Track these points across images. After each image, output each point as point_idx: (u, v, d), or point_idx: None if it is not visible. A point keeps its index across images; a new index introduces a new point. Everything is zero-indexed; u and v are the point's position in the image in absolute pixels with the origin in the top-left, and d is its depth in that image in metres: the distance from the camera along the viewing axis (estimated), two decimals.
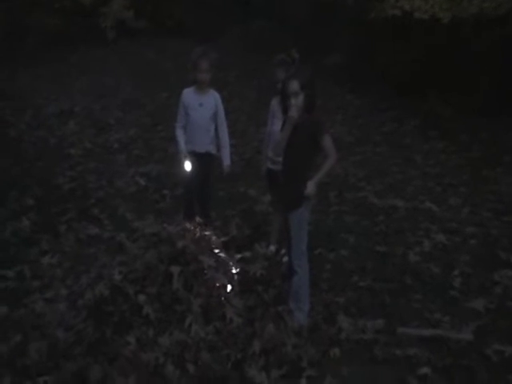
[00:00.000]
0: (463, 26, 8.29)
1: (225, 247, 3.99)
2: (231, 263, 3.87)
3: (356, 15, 10.31)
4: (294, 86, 3.55)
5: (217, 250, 3.84)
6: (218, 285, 3.54)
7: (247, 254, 4.29)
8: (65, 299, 3.69)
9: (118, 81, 11.00)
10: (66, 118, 8.95)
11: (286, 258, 4.34)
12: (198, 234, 3.81)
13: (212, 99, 4.65)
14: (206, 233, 3.90)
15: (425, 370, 3.25)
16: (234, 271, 3.83)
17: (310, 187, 3.54)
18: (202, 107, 4.61)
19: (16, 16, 12.01)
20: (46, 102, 9.64)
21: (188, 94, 4.65)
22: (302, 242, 3.68)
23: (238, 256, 4.08)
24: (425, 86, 8.93)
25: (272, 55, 4.64)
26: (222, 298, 3.51)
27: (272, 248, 4.76)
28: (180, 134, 4.69)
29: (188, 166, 4.61)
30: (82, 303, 3.41)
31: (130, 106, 9.80)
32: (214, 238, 3.94)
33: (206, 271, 3.53)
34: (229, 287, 3.62)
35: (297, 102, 3.55)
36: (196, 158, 4.63)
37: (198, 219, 4.04)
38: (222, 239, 4.08)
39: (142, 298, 3.30)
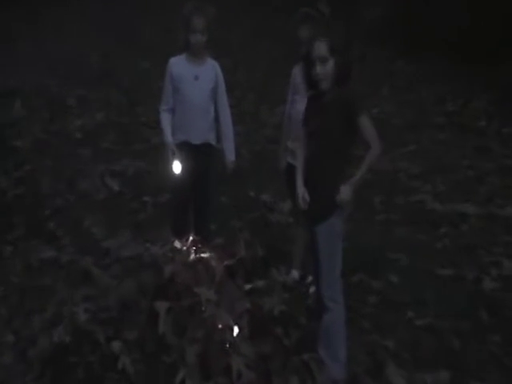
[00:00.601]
0: None
1: (230, 274, 3.96)
2: (238, 296, 3.83)
3: None
4: (322, 48, 3.53)
5: (219, 279, 3.80)
6: (220, 326, 3.51)
7: (260, 282, 4.25)
8: (11, 349, 3.66)
9: (80, 48, 11.06)
10: (9, 99, 8.92)
11: (313, 289, 4.33)
12: (192, 257, 3.81)
13: (210, 70, 4.66)
14: (204, 254, 3.89)
15: None
16: (242, 307, 3.76)
17: (344, 191, 3.51)
18: (197, 81, 4.60)
19: None
20: None
21: (178, 64, 4.64)
22: (334, 265, 3.67)
23: (248, 286, 4.06)
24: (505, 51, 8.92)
25: (292, 9, 4.66)
26: (227, 345, 3.47)
27: (294, 274, 4.77)
28: (166, 120, 4.68)
29: (177, 165, 4.61)
30: (34, 354, 3.40)
31: (98, 80, 9.83)
32: (214, 261, 3.90)
33: (203, 308, 3.50)
34: (235, 329, 3.58)
35: (325, 71, 3.54)
36: (191, 151, 4.62)
37: (192, 235, 4.02)
38: (226, 263, 4.03)
39: (116, 345, 3.29)
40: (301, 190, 3.75)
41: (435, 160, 7.14)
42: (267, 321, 3.89)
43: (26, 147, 7.46)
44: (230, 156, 4.81)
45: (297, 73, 4.47)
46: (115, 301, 3.46)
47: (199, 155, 4.65)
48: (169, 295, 3.47)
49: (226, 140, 4.79)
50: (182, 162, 4.60)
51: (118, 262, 3.78)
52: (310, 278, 4.60)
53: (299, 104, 4.28)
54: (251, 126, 8.12)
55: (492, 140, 7.61)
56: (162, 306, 3.37)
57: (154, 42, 11.06)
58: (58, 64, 10.33)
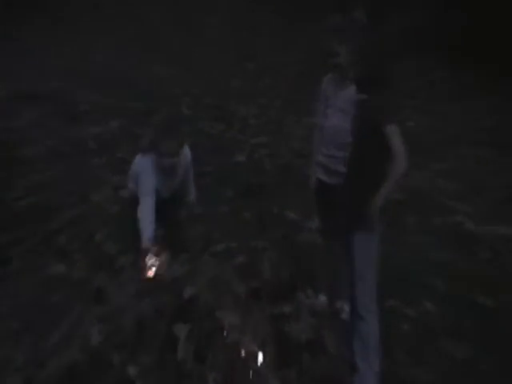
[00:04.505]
0: None
1: (254, 297, 4.04)
2: (263, 321, 3.88)
3: None
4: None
5: (242, 302, 3.89)
6: (243, 353, 3.54)
7: (287, 307, 4.26)
8: (18, 371, 3.66)
9: (95, 50, 11.22)
10: (21, 104, 9.04)
11: (345, 314, 4.36)
12: (214, 278, 3.85)
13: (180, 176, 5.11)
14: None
15: None
16: (267, 333, 3.83)
17: (375, 204, 3.57)
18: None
19: None
20: None
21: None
22: (369, 274, 3.77)
23: (274, 310, 4.06)
24: None
25: (322, 15, 4.65)
26: (251, 372, 3.50)
27: (323, 298, 4.74)
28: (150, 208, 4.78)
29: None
30: (44, 376, 3.41)
31: (113, 85, 9.92)
32: (236, 282, 3.98)
33: (226, 332, 3.56)
34: (260, 356, 3.62)
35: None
36: None
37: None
38: (251, 285, 4.12)
39: (132, 370, 3.32)
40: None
41: (475, 178, 7.11)
42: (294, 347, 3.91)
43: (36, 155, 7.49)
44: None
45: (328, 85, 4.46)
46: (131, 322, 3.52)
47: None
48: (189, 318, 3.53)
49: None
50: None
51: (134, 280, 3.83)
52: (339, 303, 4.58)
53: (331, 118, 4.32)
54: (276, 137, 8.16)
55: None
56: (181, 329, 3.42)
57: (174, 44, 11.18)
58: (71, 68, 10.45)
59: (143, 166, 4.80)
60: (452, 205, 6.53)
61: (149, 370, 3.32)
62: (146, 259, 4.39)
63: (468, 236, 5.88)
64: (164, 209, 5.01)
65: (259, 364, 3.56)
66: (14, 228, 5.72)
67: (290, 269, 5.11)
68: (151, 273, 4.37)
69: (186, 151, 5.02)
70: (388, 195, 3.55)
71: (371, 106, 3.62)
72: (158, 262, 4.34)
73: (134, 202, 4.83)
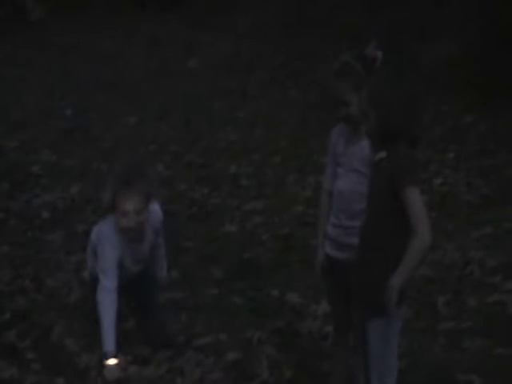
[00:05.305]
0: None
1: None
2: None
3: None
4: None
5: None
6: None
7: None
8: None
9: (48, 94, 11.62)
10: None
11: None
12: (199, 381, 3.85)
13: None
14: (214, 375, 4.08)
15: None
16: None
17: (391, 287, 3.48)
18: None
19: None
20: None
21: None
22: (388, 370, 3.71)
23: None
24: None
25: (329, 46, 4.65)
26: None
27: None
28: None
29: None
30: None
31: (71, 141, 10.17)
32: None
33: None
34: None
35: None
36: None
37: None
38: None
39: None
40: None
41: None
42: None
43: None
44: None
45: (337, 138, 4.43)
46: None
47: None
48: None
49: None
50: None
51: None
52: None
53: (342, 180, 4.29)
54: (275, 201, 8.20)
55: None
56: None
57: (143, 85, 11.47)
58: (19, 120, 10.75)
59: (103, 233, 4.88)
60: (491, 281, 6.43)
61: None
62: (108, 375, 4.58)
63: (511, 319, 5.79)
64: (133, 290, 5.15)
65: None
66: None
67: (293, 365, 5.04)
68: None
69: (156, 208, 5.06)
70: (410, 274, 3.51)
71: (388, 166, 3.57)
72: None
73: (96, 284, 4.86)
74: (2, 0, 15.19)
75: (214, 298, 6.28)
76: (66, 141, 10.22)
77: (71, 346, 5.40)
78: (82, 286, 6.42)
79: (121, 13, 16.58)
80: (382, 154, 3.62)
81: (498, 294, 6.19)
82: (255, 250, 7.19)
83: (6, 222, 7.90)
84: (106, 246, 4.84)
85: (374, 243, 3.65)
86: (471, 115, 10.50)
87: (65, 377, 4.47)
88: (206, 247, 7.29)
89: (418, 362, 5.00)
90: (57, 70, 13.27)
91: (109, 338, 4.64)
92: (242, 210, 8.31)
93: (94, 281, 4.95)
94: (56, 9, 15.80)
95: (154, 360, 4.94)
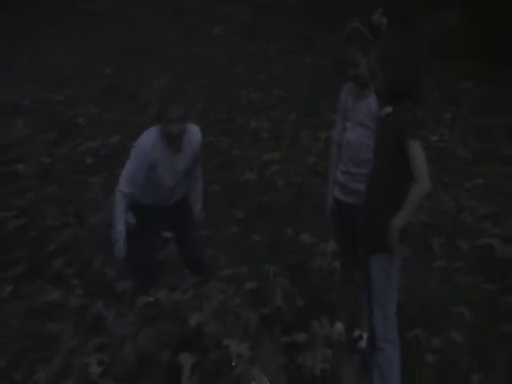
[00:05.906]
0: None
1: (265, 325, 4.13)
2: (275, 351, 3.97)
3: None
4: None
5: (252, 330, 3.99)
6: None
7: (300, 336, 4.37)
8: None
9: (89, 58, 11.59)
10: (9, 117, 9.41)
11: (362, 344, 4.62)
12: (222, 305, 4.00)
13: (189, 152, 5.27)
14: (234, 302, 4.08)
15: None
16: (278, 364, 3.91)
17: (393, 227, 3.69)
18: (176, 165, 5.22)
19: None
20: None
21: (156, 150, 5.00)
22: (388, 301, 3.93)
23: (286, 339, 4.18)
24: None
25: (338, 18, 4.77)
26: None
27: (339, 327, 4.90)
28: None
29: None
30: None
31: (111, 96, 10.29)
32: (246, 309, 4.13)
33: (234, 363, 3.65)
34: None
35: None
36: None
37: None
38: (260, 312, 4.23)
39: None
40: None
41: (506, 198, 7.30)
42: (307, 380, 4.02)
43: (28, 172, 7.79)
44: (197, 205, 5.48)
45: (347, 96, 4.57)
46: (132, 353, 3.59)
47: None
48: (194, 348, 3.59)
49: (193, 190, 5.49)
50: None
51: (135, 308, 3.93)
52: (357, 332, 4.78)
53: (351, 132, 4.46)
54: (290, 153, 8.41)
55: None
56: (186, 360, 3.50)
57: (174, 51, 11.68)
58: (64, 77, 10.86)
59: (140, 144, 4.91)
60: (481, 227, 6.77)
61: None
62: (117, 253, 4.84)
63: (498, 260, 6.09)
64: (176, 219, 5.30)
65: None
66: (6, 250, 5.97)
67: (304, 296, 5.18)
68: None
69: (196, 129, 5.14)
70: (410, 217, 3.67)
71: (394, 121, 3.75)
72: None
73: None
74: None
75: (235, 236, 6.60)
76: (105, 96, 10.36)
77: (110, 274, 5.64)
78: None
79: None
80: (388, 109, 3.81)
81: (487, 238, 6.60)
82: (272, 195, 7.46)
83: (53, 165, 8.08)
84: (139, 155, 4.90)
85: (379, 190, 3.92)
86: (468, 81, 10.65)
87: (104, 300, 4.49)
88: (229, 192, 7.54)
89: (415, 295, 5.35)
90: (95, 33, 13.36)
91: (119, 223, 4.86)
92: (261, 160, 8.58)
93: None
94: None
95: (182, 287, 4.88)
